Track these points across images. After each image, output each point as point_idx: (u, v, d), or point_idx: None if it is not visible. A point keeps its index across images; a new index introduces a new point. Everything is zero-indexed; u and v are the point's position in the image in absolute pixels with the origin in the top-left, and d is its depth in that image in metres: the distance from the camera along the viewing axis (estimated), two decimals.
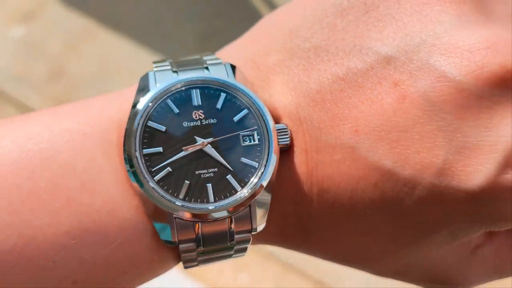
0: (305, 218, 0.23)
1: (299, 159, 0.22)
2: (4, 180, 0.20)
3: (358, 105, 0.21)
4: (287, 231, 0.24)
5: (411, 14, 0.21)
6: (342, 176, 0.22)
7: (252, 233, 0.23)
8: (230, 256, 0.23)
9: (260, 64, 0.23)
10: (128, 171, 0.22)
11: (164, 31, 1.34)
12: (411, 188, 0.21)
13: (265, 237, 0.24)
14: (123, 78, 1.28)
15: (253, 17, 1.35)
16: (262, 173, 0.22)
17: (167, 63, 0.24)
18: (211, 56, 0.24)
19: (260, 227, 0.22)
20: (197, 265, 0.23)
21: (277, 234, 0.24)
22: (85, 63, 1.29)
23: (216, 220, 0.22)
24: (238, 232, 0.22)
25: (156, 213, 0.21)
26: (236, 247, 0.23)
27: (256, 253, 1.01)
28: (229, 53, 0.25)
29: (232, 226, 0.22)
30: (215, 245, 0.22)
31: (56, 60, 1.30)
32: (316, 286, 1.00)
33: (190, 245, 0.22)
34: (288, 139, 0.22)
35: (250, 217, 0.22)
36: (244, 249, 0.23)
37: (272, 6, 1.36)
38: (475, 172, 0.20)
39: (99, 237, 0.21)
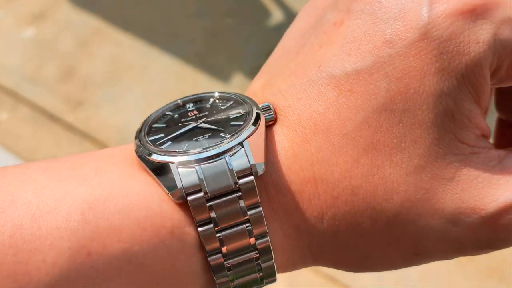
0: (309, 158, 0.24)
1: (287, 113, 0.25)
2: (38, 175, 0.24)
3: (315, 53, 0.25)
4: (293, 182, 0.25)
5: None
6: (324, 106, 0.24)
7: (254, 174, 0.24)
8: (242, 208, 0.24)
9: (252, 91, 0.28)
10: (136, 152, 0.25)
11: (174, 29, 1.35)
12: (378, 74, 0.23)
13: (277, 200, 0.25)
14: (134, 77, 1.28)
15: (262, 13, 1.35)
16: (249, 120, 0.25)
17: None
18: None
19: (259, 167, 0.24)
20: (210, 222, 0.23)
21: (281, 188, 0.25)
22: (96, 63, 1.30)
23: (214, 160, 0.23)
24: (240, 174, 0.23)
25: (160, 171, 0.24)
26: (244, 190, 0.23)
27: None
28: None
29: (232, 166, 0.23)
30: (219, 188, 0.23)
31: (67, 60, 1.31)
32: (328, 281, 1.00)
33: (198, 196, 0.23)
34: (272, 114, 0.25)
35: (246, 156, 0.24)
36: (253, 189, 0.24)
37: (280, 3, 1.36)
38: (416, 21, 0.23)
39: (109, 204, 0.23)
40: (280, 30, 1.31)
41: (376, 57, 0.24)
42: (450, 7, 0.23)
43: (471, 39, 0.23)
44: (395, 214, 0.24)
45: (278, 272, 0.25)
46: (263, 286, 0.25)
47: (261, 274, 0.24)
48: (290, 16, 1.33)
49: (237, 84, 1.24)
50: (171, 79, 1.28)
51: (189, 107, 0.27)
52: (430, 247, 0.24)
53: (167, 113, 0.27)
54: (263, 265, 0.24)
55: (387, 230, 0.24)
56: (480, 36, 0.23)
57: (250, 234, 0.24)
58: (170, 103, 0.27)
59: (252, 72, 1.25)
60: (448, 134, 0.23)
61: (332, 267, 0.26)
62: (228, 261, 0.24)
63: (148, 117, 0.27)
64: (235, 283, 0.24)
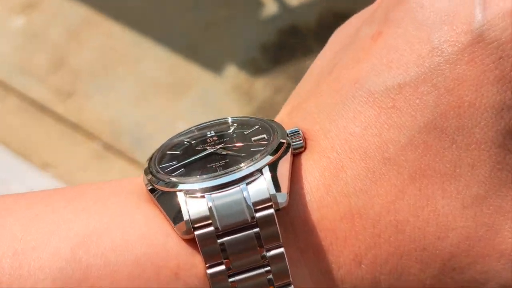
0: (344, 189, 0.21)
1: (319, 137, 0.22)
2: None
3: (350, 70, 0.22)
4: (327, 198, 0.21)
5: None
6: (361, 127, 0.21)
7: (275, 205, 0.20)
8: (260, 247, 0.20)
9: (279, 119, 0.25)
10: (144, 181, 0.22)
11: (167, 20, 1.34)
12: (424, 86, 0.20)
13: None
14: (125, 68, 1.27)
15: (256, 6, 1.34)
16: (272, 145, 0.22)
17: None
18: None
19: (281, 198, 0.20)
20: (222, 263, 0.20)
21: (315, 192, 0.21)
22: (87, 53, 1.29)
23: (227, 188, 0.20)
24: (258, 206, 0.20)
25: (167, 201, 0.20)
26: (262, 225, 0.20)
27: None
28: None
29: (248, 196, 0.20)
30: (232, 222, 0.20)
31: (57, 50, 1.29)
32: None
33: (207, 230, 0.20)
34: (301, 140, 0.22)
35: (265, 184, 0.20)
36: (273, 224, 0.20)
37: None
38: (468, 23, 0.20)
39: (105, 239, 0.20)
40: (274, 22, 1.30)
41: (422, 68, 0.20)
42: (508, 5, 0.19)
43: None
44: (451, 256, 0.20)
45: None
46: None
47: None
48: (284, 8, 1.32)
49: (230, 77, 1.23)
50: (163, 71, 1.27)
51: (208, 134, 0.24)
52: None
53: (184, 140, 0.23)
54: None
55: (441, 276, 0.20)
56: None
57: (269, 281, 0.20)
58: (186, 130, 0.24)
59: (245, 64, 1.24)
60: None
61: None
62: None
63: (163, 144, 0.24)
64: None
